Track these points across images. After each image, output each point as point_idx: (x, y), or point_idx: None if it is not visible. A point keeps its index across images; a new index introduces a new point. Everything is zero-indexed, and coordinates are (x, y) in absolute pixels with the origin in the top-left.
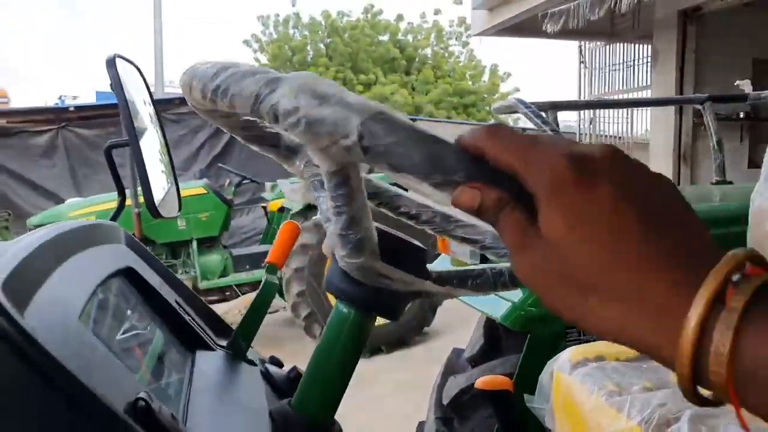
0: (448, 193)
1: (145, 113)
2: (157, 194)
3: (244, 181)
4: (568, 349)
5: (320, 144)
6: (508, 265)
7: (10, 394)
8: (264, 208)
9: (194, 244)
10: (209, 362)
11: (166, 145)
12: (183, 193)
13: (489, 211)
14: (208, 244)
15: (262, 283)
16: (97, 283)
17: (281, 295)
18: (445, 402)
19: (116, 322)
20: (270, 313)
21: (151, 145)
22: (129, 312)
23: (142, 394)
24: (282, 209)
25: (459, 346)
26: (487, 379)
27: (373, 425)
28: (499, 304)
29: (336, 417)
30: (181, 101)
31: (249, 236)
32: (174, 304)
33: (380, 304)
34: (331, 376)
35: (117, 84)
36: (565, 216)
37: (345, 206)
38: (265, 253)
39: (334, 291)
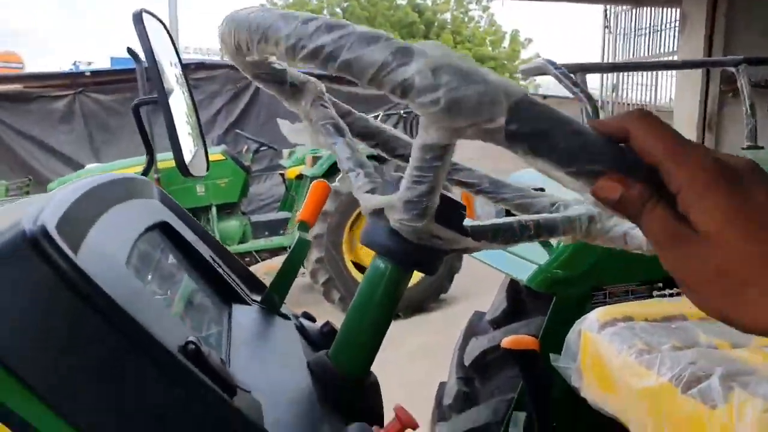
0: (586, 182)
1: (171, 74)
2: (186, 155)
3: (262, 148)
4: (595, 310)
5: (455, 125)
6: (532, 217)
7: (68, 332)
8: (281, 175)
9: (213, 210)
10: (245, 315)
11: (194, 106)
12: None
13: (631, 204)
14: (227, 210)
15: (295, 240)
16: (138, 234)
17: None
18: (466, 363)
19: (157, 274)
20: None
21: (178, 106)
22: (167, 265)
23: (191, 338)
24: (300, 176)
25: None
26: (512, 339)
27: (391, 389)
28: (524, 266)
29: None
30: (198, 67)
31: (267, 203)
32: (209, 259)
33: (421, 260)
34: (368, 330)
35: (144, 38)
36: (724, 212)
37: (432, 177)
38: (283, 220)
39: (376, 247)
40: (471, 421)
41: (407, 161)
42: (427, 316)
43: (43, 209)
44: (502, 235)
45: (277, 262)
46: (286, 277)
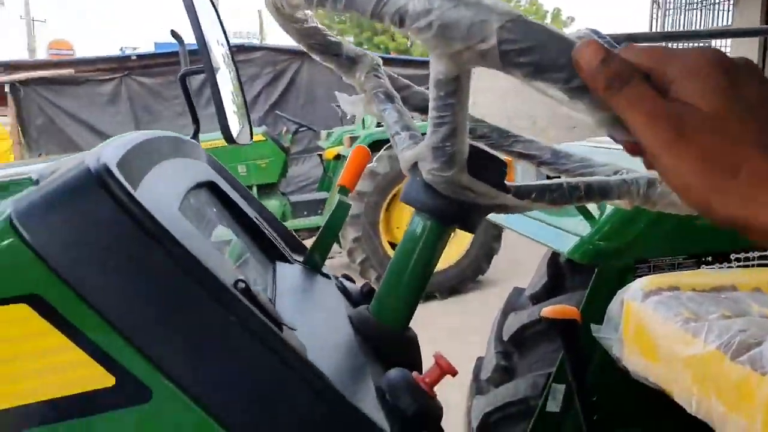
0: (588, 100)
1: (218, 52)
2: (233, 129)
3: (301, 129)
4: (639, 279)
5: (451, 49)
6: (585, 179)
7: (130, 261)
8: (320, 156)
9: (254, 190)
10: (289, 272)
11: (240, 85)
12: None
13: (616, 75)
14: (267, 190)
15: (335, 203)
16: (188, 187)
17: (337, 242)
18: (505, 338)
19: (205, 227)
20: (328, 259)
21: (224, 84)
22: (215, 220)
23: (240, 277)
24: (338, 157)
25: None
26: (553, 308)
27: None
28: (565, 238)
29: None
30: (238, 50)
31: (305, 185)
32: (254, 219)
33: (459, 216)
34: (407, 285)
35: (191, 11)
36: (722, 92)
37: (450, 117)
38: (322, 200)
39: (414, 203)
40: (509, 395)
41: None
42: (463, 298)
43: (103, 152)
44: (549, 195)
45: None
46: (326, 238)
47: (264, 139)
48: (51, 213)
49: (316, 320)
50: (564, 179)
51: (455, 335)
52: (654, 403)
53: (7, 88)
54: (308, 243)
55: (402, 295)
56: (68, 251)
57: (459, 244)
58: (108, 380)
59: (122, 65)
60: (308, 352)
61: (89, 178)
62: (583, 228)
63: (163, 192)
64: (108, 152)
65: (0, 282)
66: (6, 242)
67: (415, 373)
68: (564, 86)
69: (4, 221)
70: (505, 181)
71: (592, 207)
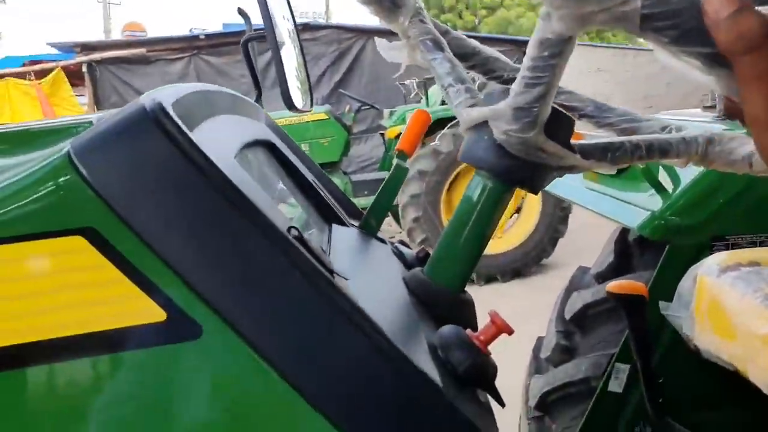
0: (726, 70)
1: (283, 28)
2: (297, 101)
3: (364, 107)
4: (714, 254)
5: (583, 9)
6: (644, 137)
7: (185, 203)
8: (382, 135)
9: None
10: (344, 234)
11: (303, 59)
12: (306, 119)
13: (743, 38)
14: (328, 169)
15: (393, 167)
16: (245, 141)
17: (397, 221)
18: (567, 317)
19: (262, 181)
20: (388, 239)
21: (288, 57)
22: (272, 178)
23: (294, 224)
24: (398, 136)
25: None
26: (619, 283)
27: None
28: (635, 213)
29: None
30: (303, 28)
31: (366, 165)
32: (312, 182)
33: (527, 178)
34: (465, 246)
35: None
36: None
37: (548, 78)
38: (383, 180)
39: (479, 162)
40: (569, 375)
41: (506, 84)
42: (526, 281)
43: (159, 93)
44: (611, 154)
45: None
46: (383, 202)
47: (327, 117)
48: (107, 149)
49: (369, 279)
50: (625, 138)
51: (516, 317)
52: (727, 385)
53: (84, 68)
54: None
55: (458, 257)
56: (123, 186)
57: (523, 225)
58: (159, 315)
59: (191, 45)
60: (360, 304)
61: (144, 116)
62: (655, 203)
63: (219, 139)
64: (164, 93)
65: (57, 214)
66: (64, 177)
67: (468, 331)
68: (705, 49)
69: (62, 157)
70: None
71: (665, 180)
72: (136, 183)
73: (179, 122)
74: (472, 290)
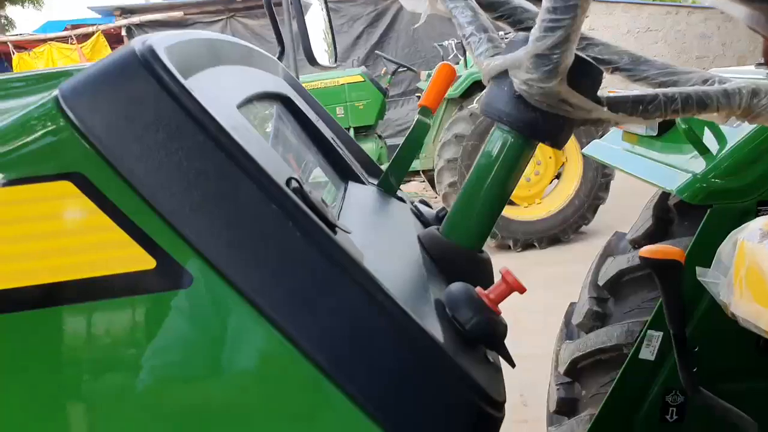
0: None
1: None
2: (321, 60)
3: (401, 69)
4: (758, 218)
5: None
6: (682, 90)
7: (173, 147)
8: (418, 97)
9: (351, 132)
10: (360, 192)
11: (329, 18)
12: (341, 81)
13: None
14: (363, 132)
15: (413, 123)
16: (254, 93)
17: (432, 187)
18: (600, 283)
19: (273, 134)
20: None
21: (315, 21)
22: (286, 133)
23: (294, 176)
24: None
25: None
26: (654, 248)
27: (520, 315)
28: (676, 176)
29: None
30: None
31: (403, 128)
32: (329, 139)
33: (549, 131)
34: (483, 203)
35: None
36: None
37: (569, 21)
38: None
39: (498, 115)
40: (600, 341)
41: None
42: (564, 248)
43: (153, 38)
44: (643, 107)
45: (412, 186)
46: (403, 159)
47: (363, 80)
48: (95, 93)
49: (381, 236)
50: (660, 90)
51: (551, 284)
52: (764, 355)
53: (123, 32)
54: (403, 188)
55: (476, 214)
56: (110, 131)
57: (563, 191)
58: (149, 263)
59: (228, 7)
60: (365, 260)
61: (133, 59)
62: (698, 165)
63: (221, 88)
64: (158, 38)
65: (45, 159)
66: (51, 121)
67: (478, 288)
68: None
69: (51, 101)
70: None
71: (709, 142)
72: (124, 127)
73: (170, 66)
74: (507, 256)
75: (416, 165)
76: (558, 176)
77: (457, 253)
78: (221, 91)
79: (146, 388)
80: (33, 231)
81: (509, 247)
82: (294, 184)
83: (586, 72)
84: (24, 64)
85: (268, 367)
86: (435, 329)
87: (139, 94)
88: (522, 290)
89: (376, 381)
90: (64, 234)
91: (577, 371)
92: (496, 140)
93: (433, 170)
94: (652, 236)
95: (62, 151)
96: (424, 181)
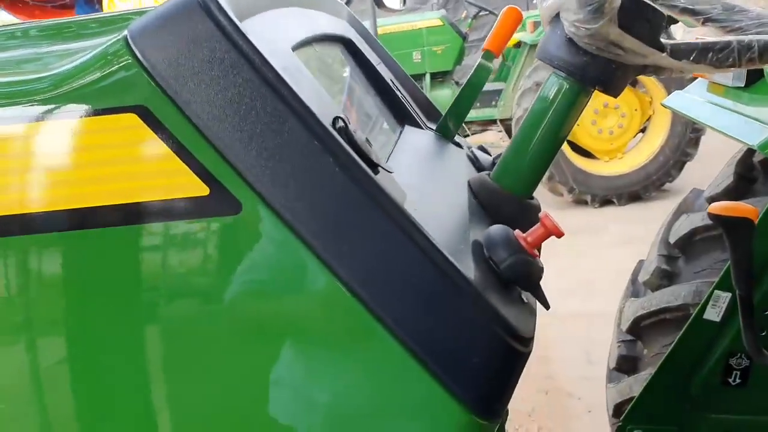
0: None
1: None
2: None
3: (482, 13)
4: None
5: None
6: (760, 37)
7: (229, 88)
8: None
9: (427, 78)
10: (416, 137)
11: None
12: (419, 25)
13: None
14: (440, 78)
15: (475, 66)
16: (313, 35)
17: (509, 136)
18: (672, 240)
19: (330, 76)
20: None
21: None
22: (344, 74)
23: (340, 115)
24: (518, 44)
25: None
26: (725, 204)
27: (594, 273)
28: (762, 131)
29: (556, 260)
30: None
31: None
32: (389, 82)
33: (602, 77)
34: (535, 151)
35: None
36: None
37: None
38: (496, 91)
39: (551, 59)
40: (666, 300)
41: None
42: (644, 205)
43: None
44: (713, 56)
45: (489, 136)
46: (462, 104)
47: (442, 24)
48: (159, 33)
49: (429, 179)
50: (734, 37)
51: (626, 243)
52: None
53: None
54: (479, 138)
55: (527, 160)
56: (172, 68)
57: (647, 146)
58: (203, 190)
59: None
60: (407, 201)
61: (193, 2)
62: None
63: (278, 29)
64: None
65: (113, 93)
66: (120, 59)
67: (517, 231)
68: None
69: (121, 40)
70: (661, 38)
71: None
72: (184, 65)
73: (227, 8)
74: (584, 212)
75: (493, 113)
76: (643, 130)
77: (504, 198)
78: (278, 33)
79: (196, 302)
80: (102, 157)
81: (586, 203)
82: (340, 123)
83: (640, 14)
84: (114, 7)
85: (308, 295)
86: (468, 268)
87: (196, 33)
88: (559, 234)
89: (408, 312)
90: (129, 161)
91: (639, 329)
92: (551, 86)
93: (510, 119)
94: (731, 193)
95: (129, 86)
96: (501, 131)
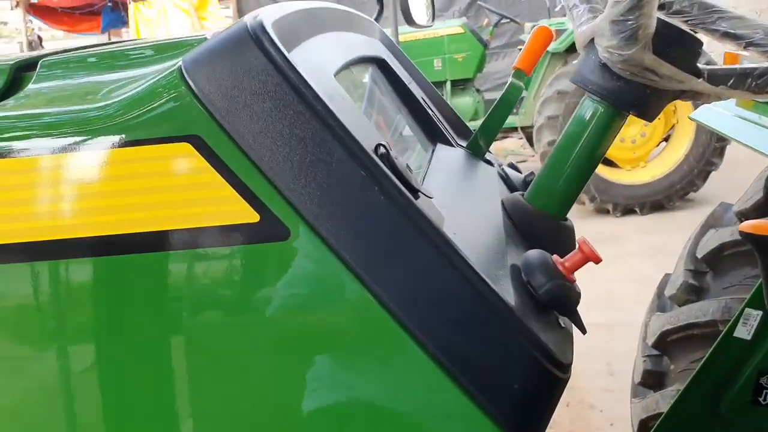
0: None
1: None
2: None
3: (504, 21)
4: None
5: None
6: None
7: (276, 116)
8: (520, 50)
9: (448, 85)
10: (448, 154)
11: None
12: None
13: None
14: (461, 86)
15: (507, 86)
16: (352, 58)
17: (530, 144)
18: (699, 255)
19: (366, 98)
20: (519, 162)
21: None
22: (378, 94)
23: (382, 142)
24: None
25: None
26: (757, 223)
27: (616, 284)
28: None
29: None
30: None
31: (502, 83)
32: (420, 100)
33: (637, 102)
34: (569, 173)
35: None
36: None
37: None
38: (518, 99)
39: (585, 83)
40: (693, 316)
41: (659, 8)
42: (667, 215)
43: (263, 11)
44: (754, 81)
45: (510, 144)
46: (494, 122)
47: (463, 31)
48: (212, 65)
49: (464, 200)
50: None
51: (650, 254)
52: None
53: None
54: (499, 145)
55: (561, 182)
56: (225, 99)
57: (671, 154)
58: (253, 217)
59: None
60: (445, 224)
61: (245, 34)
62: None
63: (320, 57)
64: (268, 12)
65: (168, 123)
66: (175, 89)
67: (555, 256)
68: None
69: (176, 71)
70: (698, 64)
71: None
72: (237, 97)
73: (277, 41)
74: (606, 221)
75: (514, 121)
76: (666, 139)
77: (539, 219)
78: (320, 61)
79: (245, 324)
80: (157, 185)
81: (608, 212)
82: (381, 150)
83: (676, 40)
84: (139, 13)
85: (351, 318)
86: (507, 292)
87: (249, 66)
88: (597, 260)
89: (448, 335)
90: (183, 189)
91: (666, 344)
92: (586, 109)
93: (531, 127)
94: (761, 209)
95: (184, 116)
96: (521, 138)
